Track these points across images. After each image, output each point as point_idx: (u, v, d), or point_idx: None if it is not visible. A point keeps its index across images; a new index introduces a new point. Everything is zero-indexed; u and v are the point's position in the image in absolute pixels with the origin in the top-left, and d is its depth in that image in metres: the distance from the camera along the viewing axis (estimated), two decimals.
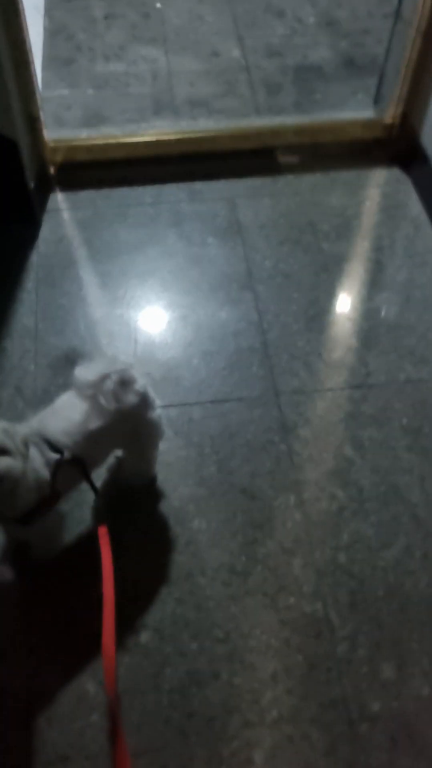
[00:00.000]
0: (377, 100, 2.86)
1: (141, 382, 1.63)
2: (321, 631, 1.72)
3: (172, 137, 2.73)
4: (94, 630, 1.46)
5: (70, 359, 2.15)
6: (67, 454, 1.54)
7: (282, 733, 1.59)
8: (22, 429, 1.48)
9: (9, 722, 1.59)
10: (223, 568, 1.80)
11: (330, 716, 1.62)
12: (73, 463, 1.55)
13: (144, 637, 1.70)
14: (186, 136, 2.74)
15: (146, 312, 2.29)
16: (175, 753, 1.56)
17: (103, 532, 1.55)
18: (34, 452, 1.51)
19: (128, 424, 1.64)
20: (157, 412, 1.73)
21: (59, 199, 2.61)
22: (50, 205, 2.59)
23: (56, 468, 1.53)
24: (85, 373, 1.58)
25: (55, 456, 1.53)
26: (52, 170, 2.66)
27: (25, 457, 1.45)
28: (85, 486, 1.76)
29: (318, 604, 1.76)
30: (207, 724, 1.59)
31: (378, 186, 2.72)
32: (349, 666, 1.68)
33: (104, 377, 1.56)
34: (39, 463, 1.51)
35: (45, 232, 2.50)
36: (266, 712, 1.61)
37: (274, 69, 3.16)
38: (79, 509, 1.87)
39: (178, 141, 2.73)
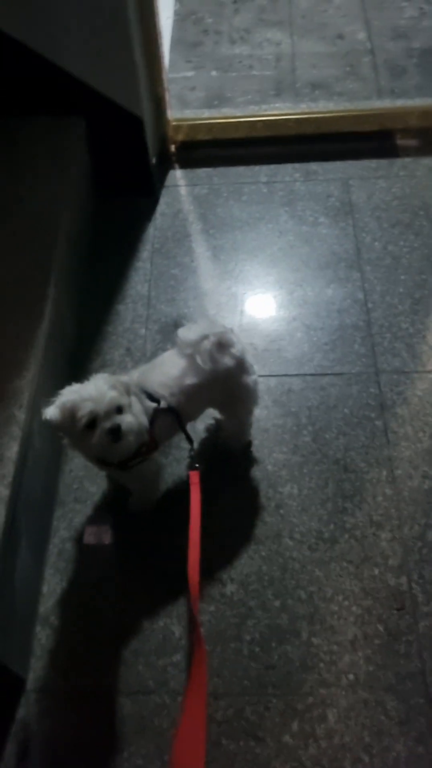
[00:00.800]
0: None
1: (239, 347, 1.70)
2: (404, 605, 1.73)
3: (291, 118, 2.77)
4: (181, 577, 1.56)
5: (178, 325, 2.25)
6: (163, 403, 1.64)
7: (357, 696, 1.63)
8: (123, 378, 1.60)
9: (101, 650, 1.72)
10: (311, 534, 1.85)
11: (407, 687, 1.63)
12: (168, 412, 1.65)
13: (230, 588, 1.78)
14: (305, 117, 2.78)
15: (254, 286, 2.36)
16: (252, 700, 1.63)
17: (194, 478, 1.64)
18: (134, 401, 1.62)
19: (223, 385, 1.71)
20: (254, 378, 1.78)
21: (177, 175, 2.72)
22: (169, 180, 2.70)
23: (154, 415, 1.64)
24: (186, 332, 1.68)
25: (152, 404, 1.64)
26: (172, 148, 2.77)
27: (129, 405, 1.56)
28: (183, 443, 1.86)
29: (403, 578, 1.77)
30: (284, 678, 1.65)
31: None
32: (431, 642, 1.68)
33: (203, 338, 1.64)
34: (138, 410, 1.62)
35: (162, 206, 2.62)
36: (343, 675, 1.65)
37: (400, 51, 3.12)
38: (177, 465, 1.97)
39: (296, 122, 2.76)
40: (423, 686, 1.63)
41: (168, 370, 1.69)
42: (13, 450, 1.65)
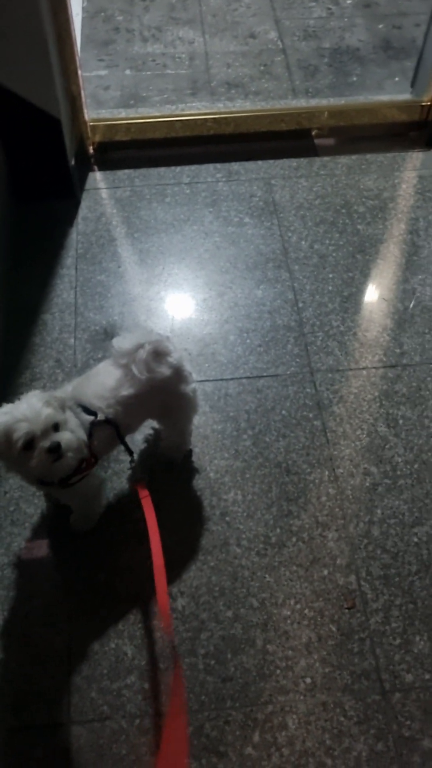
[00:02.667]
0: (414, 83, 2.85)
1: (176, 355, 1.66)
2: (354, 603, 1.74)
3: (209, 117, 2.74)
4: (131, 595, 1.51)
5: (109, 334, 2.19)
6: (100, 416, 1.58)
7: (316, 700, 1.62)
8: (58, 393, 1.53)
9: (50, 680, 1.63)
10: (258, 539, 1.83)
11: (363, 686, 1.64)
12: (106, 424, 1.60)
13: (180, 603, 1.74)
14: (223, 116, 2.76)
15: (183, 289, 2.32)
16: (211, 715, 1.60)
17: (143, 493, 1.60)
18: (69, 415, 1.55)
19: (161, 395, 1.67)
20: (192, 387, 1.75)
21: (98, 177, 2.64)
22: (89, 183, 2.62)
23: (91, 429, 1.57)
24: (121, 342, 1.62)
25: (89, 418, 1.58)
26: (91, 149, 2.69)
27: (65, 421, 1.50)
28: (121, 456, 1.81)
29: (352, 576, 1.78)
30: (242, 689, 1.63)
31: (414, 169, 2.72)
32: (382, 638, 1.70)
33: (138, 347, 1.59)
34: (74, 425, 1.55)
35: (84, 210, 2.53)
36: (300, 679, 1.64)
37: (311, 51, 3.16)
38: (117, 478, 1.91)
39: (215, 121, 2.74)
40: (378, 683, 1.65)
41: (103, 381, 1.63)
42: None
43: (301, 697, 1.62)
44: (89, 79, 2.95)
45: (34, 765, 1.54)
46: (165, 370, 1.62)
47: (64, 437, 1.45)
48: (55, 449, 1.43)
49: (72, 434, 1.48)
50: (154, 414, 1.77)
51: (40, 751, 1.56)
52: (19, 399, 1.48)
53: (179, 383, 1.69)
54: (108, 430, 1.61)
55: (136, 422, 1.74)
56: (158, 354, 1.62)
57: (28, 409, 1.43)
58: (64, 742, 1.56)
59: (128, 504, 1.87)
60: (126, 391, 1.60)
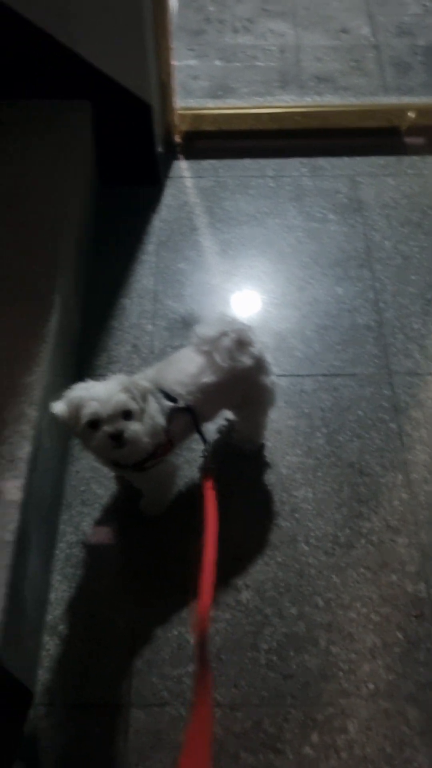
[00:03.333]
0: None
1: (258, 346, 1.65)
2: (423, 612, 1.70)
3: (298, 111, 2.72)
4: (196, 584, 1.49)
5: (187, 322, 2.19)
6: (180, 402, 1.58)
7: (378, 706, 1.59)
8: (142, 382, 1.53)
9: (112, 660, 1.65)
10: (327, 538, 1.81)
11: (428, 697, 1.60)
12: (185, 412, 1.59)
13: (245, 596, 1.73)
14: (311, 110, 2.73)
15: (263, 282, 2.30)
16: (270, 711, 1.58)
17: (209, 488, 1.59)
18: (150, 400, 1.56)
19: (241, 384, 1.66)
20: (272, 379, 1.74)
21: (182, 166, 2.65)
22: (173, 171, 2.63)
23: (170, 415, 1.57)
24: (204, 329, 1.62)
25: (169, 404, 1.58)
26: (177, 138, 2.69)
27: (144, 411, 1.50)
28: (194, 445, 1.81)
29: (421, 584, 1.74)
30: (303, 688, 1.61)
31: None
32: None
33: (222, 334, 1.59)
34: (154, 409, 1.56)
35: (167, 197, 2.54)
36: (363, 684, 1.61)
37: (404, 48, 3.09)
38: (188, 467, 1.91)
39: (302, 115, 2.71)
40: None
41: (185, 368, 1.63)
42: (25, 450, 1.57)
43: (363, 702, 1.59)
44: (179, 68, 2.94)
45: (92, 742, 1.56)
46: (247, 360, 1.61)
47: (131, 427, 1.44)
48: (117, 437, 1.43)
49: (141, 426, 1.48)
50: (232, 404, 1.76)
51: (99, 730, 1.57)
52: (104, 379, 1.49)
53: (260, 374, 1.68)
54: (186, 417, 1.61)
55: (214, 411, 1.73)
56: (241, 343, 1.61)
57: (104, 390, 1.44)
58: (123, 723, 1.57)
59: (199, 493, 1.86)
60: (207, 379, 1.60)
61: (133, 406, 1.46)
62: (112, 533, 1.83)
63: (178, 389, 1.60)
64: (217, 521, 1.52)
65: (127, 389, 1.47)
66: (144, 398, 1.51)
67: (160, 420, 1.57)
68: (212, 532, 1.50)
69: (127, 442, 1.45)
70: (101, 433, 1.43)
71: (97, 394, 1.44)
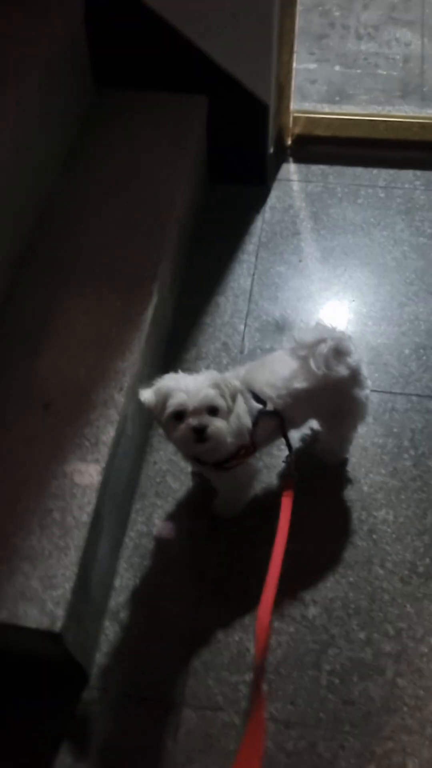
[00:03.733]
0: None
1: (355, 357, 1.59)
2: None
3: (417, 122, 2.63)
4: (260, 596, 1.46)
5: (280, 326, 2.15)
6: (269, 406, 1.54)
7: None
8: (233, 381, 1.50)
9: (170, 656, 1.63)
10: (404, 565, 1.72)
11: None
12: (273, 416, 1.56)
13: (312, 611, 1.67)
14: (431, 123, 2.64)
15: (363, 294, 2.24)
16: (326, 735, 1.52)
17: (287, 494, 1.55)
18: (239, 401, 1.53)
19: (334, 395, 1.61)
20: (366, 393, 1.68)
21: (291, 169, 2.61)
22: (281, 174, 2.60)
23: (257, 417, 1.54)
24: (302, 334, 1.58)
25: (258, 406, 1.54)
26: (289, 141, 2.66)
27: (231, 410, 1.47)
28: (275, 451, 1.76)
29: None
30: (363, 717, 1.54)
31: None
32: None
33: (320, 341, 1.54)
34: (242, 410, 1.53)
35: (273, 199, 2.51)
36: (428, 723, 1.52)
37: None
38: (267, 472, 1.87)
39: (422, 127, 2.62)
40: None
41: (278, 370, 1.59)
42: (109, 434, 1.58)
43: (427, 743, 1.50)
44: (298, 71, 2.90)
45: (140, 736, 1.53)
46: (343, 371, 1.56)
47: (215, 424, 1.42)
48: (200, 431, 1.41)
49: (225, 424, 1.44)
50: (321, 414, 1.71)
51: (149, 724, 1.55)
52: (197, 373, 1.48)
53: (354, 386, 1.62)
54: (273, 421, 1.57)
55: (302, 418, 1.69)
56: (339, 352, 1.56)
57: (194, 383, 1.43)
58: (174, 722, 1.55)
59: (274, 501, 1.82)
60: (299, 384, 1.56)
61: (220, 402, 1.43)
62: (178, 529, 1.81)
63: (268, 392, 1.56)
64: (286, 535, 1.48)
65: (216, 385, 1.44)
66: (233, 397, 1.48)
67: (247, 421, 1.54)
68: (280, 548, 1.46)
69: (209, 438, 1.42)
70: (185, 425, 1.41)
71: (186, 386, 1.42)
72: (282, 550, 1.46)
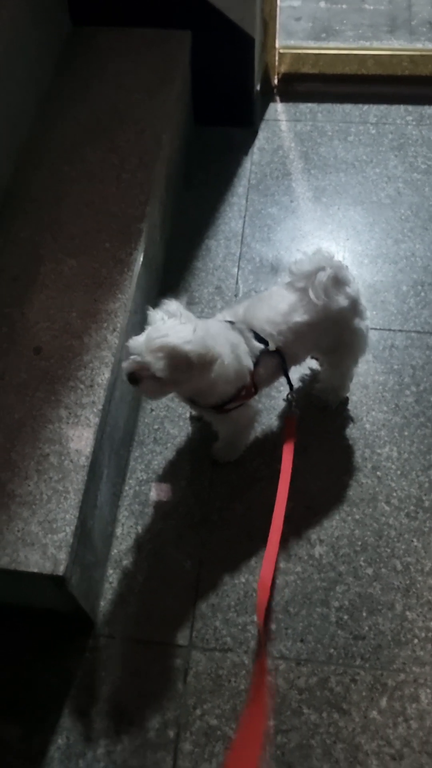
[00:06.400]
0: None
1: (354, 287, 1.54)
2: None
3: (406, 55, 2.54)
4: (267, 533, 1.43)
5: (274, 268, 2.10)
6: (270, 345, 1.49)
7: None
8: (214, 351, 1.38)
9: (175, 600, 1.60)
10: (410, 500, 1.70)
11: None
12: (274, 355, 1.51)
13: (318, 550, 1.65)
14: (421, 55, 2.55)
15: (358, 232, 2.18)
16: (337, 670, 1.50)
17: (290, 432, 1.52)
18: (239, 340, 1.47)
19: (334, 327, 1.56)
20: (366, 323, 1.62)
21: (279, 109, 2.53)
22: (269, 114, 2.52)
23: (259, 358, 1.49)
24: (300, 264, 1.52)
25: (259, 346, 1.49)
26: (275, 79, 2.57)
27: (178, 381, 1.38)
28: (274, 392, 1.72)
29: None
30: (374, 651, 1.52)
31: None
32: None
33: (319, 270, 1.48)
34: (243, 351, 1.48)
35: (261, 140, 2.43)
36: None
37: None
38: (267, 414, 1.83)
39: (411, 60, 2.54)
40: None
41: (276, 305, 1.53)
42: (104, 376, 1.52)
43: None
44: (282, 8, 2.80)
45: (150, 679, 1.52)
46: (342, 301, 1.51)
47: (148, 384, 1.36)
48: (133, 379, 1.36)
49: (158, 386, 1.37)
50: (321, 348, 1.66)
51: (158, 667, 1.53)
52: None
53: (354, 317, 1.57)
54: (275, 360, 1.52)
55: (303, 353, 1.64)
56: (338, 281, 1.51)
57: (159, 335, 1.33)
58: (183, 664, 1.53)
59: (276, 442, 1.79)
60: (299, 318, 1.50)
61: (157, 368, 1.31)
62: (177, 481, 1.76)
63: (268, 328, 1.51)
64: (287, 488, 1.45)
65: (171, 355, 1.32)
66: (204, 366, 1.37)
67: (248, 362, 1.48)
68: (282, 500, 1.43)
69: (140, 383, 1.36)
70: (126, 363, 1.36)
71: (155, 332, 1.34)
72: (284, 503, 1.42)
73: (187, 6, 2.13)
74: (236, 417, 1.60)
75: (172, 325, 1.36)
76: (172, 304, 1.42)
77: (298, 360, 1.63)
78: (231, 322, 1.52)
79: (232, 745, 1.31)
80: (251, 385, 1.52)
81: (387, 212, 2.22)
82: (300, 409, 1.79)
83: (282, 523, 1.43)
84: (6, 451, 1.43)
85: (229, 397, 1.51)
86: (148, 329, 1.36)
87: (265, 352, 1.50)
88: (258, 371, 1.51)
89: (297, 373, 1.86)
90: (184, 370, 1.34)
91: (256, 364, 1.50)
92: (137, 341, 1.34)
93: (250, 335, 1.50)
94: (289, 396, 1.60)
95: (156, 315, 1.39)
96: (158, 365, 1.31)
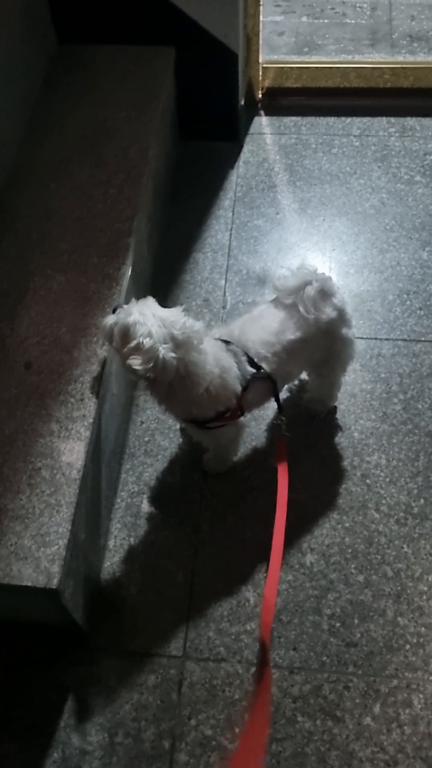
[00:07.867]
0: None
1: (340, 297, 1.56)
2: None
3: (387, 68, 2.59)
4: (259, 542, 1.44)
5: (262, 279, 2.12)
6: (263, 371, 1.51)
7: None
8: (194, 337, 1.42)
9: (168, 611, 1.61)
10: (399, 507, 1.72)
11: None
12: (265, 380, 1.52)
13: (309, 559, 1.66)
14: (402, 68, 2.59)
15: (343, 243, 2.21)
16: (330, 678, 1.52)
17: (281, 457, 1.51)
18: (231, 363, 1.48)
19: (325, 339, 1.57)
20: (353, 332, 1.64)
21: (263, 122, 2.56)
22: (254, 128, 2.55)
23: (249, 382, 1.50)
24: (285, 280, 1.54)
25: (251, 370, 1.50)
26: (259, 94, 2.61)
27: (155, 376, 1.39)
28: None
29: None
30: (367, 658, 1.54)
31: None
32: None
33: (305, 284, 1.50)
34: (234, 375, 1.48)
35: (246, 153, 2.47)
36: (431, 660, 1.53)
37: None
38: (256, 424, 1.85)
39: (393, 73, 2.58)
40: None
41: (268, 325, 1.54)
42: (94, 390, 1.54)
43: (431, 678, 1.51)
44: (264, 24, 2.85)
45: (145, 691, 1.52)
46: (330, 312, 1.53)
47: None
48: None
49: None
50: (313, 362, 1.66)
51: (153, 679, 1.53)
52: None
53: (342, 326, 1.59)
54: (265, 385, 1.53)
55: (297, 371, 1.65)
56: (324, 293, 1.53)
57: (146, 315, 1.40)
58: (177, 675, 1.53)
59: (266, 452, 1.81)
60: (292, 335, 1.51)
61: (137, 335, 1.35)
62: (175, 487, 1.78)
63: (263, 351, 1.51)
64: (285, 503, 1.44)
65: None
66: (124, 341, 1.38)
67: (235, 386, 1.49)
68: (282, 513, 1.43)
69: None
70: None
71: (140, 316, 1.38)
72: (283, 527, 1.41)
73: (171, 23, 2.16)
74: (216, 434, 1.60)
75: (130, 310, 1.40)
76: (148, 299, 1.45)
77: (291, 378, 1.65)
78: (227, 342, 1.52)
79: (233, 756, 1.31)
80: (237, 408, 1.53)
81: (372, 222, 2.25)
82: (288, 418, 1.81)
83: (282, 545, 1.40)
84: None
85: (208, 418, 1.52)
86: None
87: (257, 377, 1.51)
88: (247, 395, 1.52)
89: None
90: (116, 346, 1.40)
91: (245, 388, 1.51)
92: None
93: (244, 359, 1.51)
94: (279, 420, 1.60)
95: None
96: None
